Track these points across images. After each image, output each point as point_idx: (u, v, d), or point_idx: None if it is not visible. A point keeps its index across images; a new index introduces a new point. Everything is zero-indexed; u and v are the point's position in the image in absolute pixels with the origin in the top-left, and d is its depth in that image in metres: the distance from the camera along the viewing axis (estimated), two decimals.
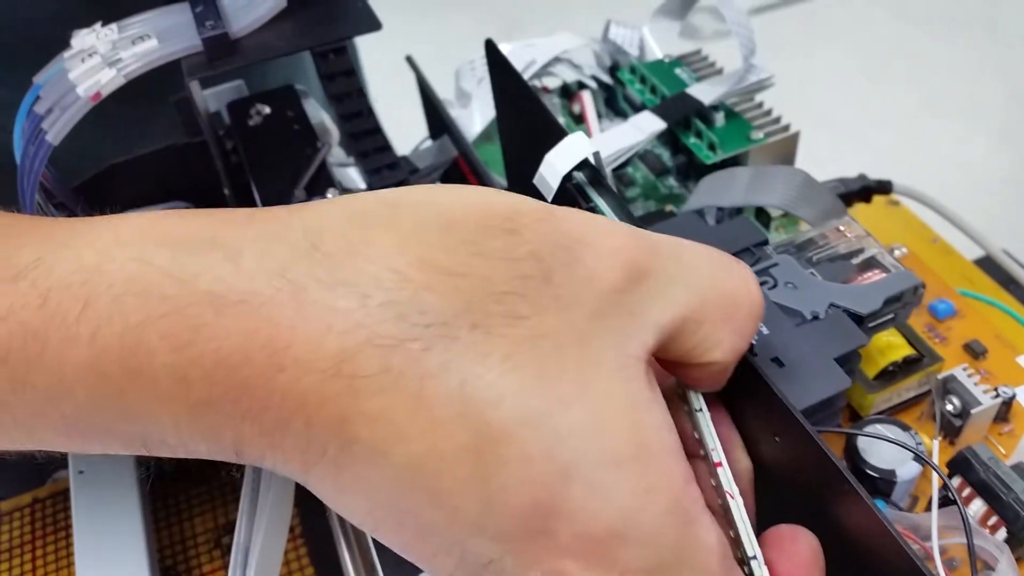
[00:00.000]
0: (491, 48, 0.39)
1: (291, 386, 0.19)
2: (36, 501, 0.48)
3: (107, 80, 0.38)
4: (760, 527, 0.25)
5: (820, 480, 0.24)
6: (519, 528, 0.20)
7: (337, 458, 0.20)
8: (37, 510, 0.48)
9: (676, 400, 0.26)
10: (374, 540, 0.39)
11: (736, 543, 0.23)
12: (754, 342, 0.28)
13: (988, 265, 0.51)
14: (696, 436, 0.25)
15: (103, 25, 0.40)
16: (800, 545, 0.23)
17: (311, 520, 0.46)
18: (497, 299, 0.20)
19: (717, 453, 0.25)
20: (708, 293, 0.23)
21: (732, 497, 0.24)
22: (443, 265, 0.20)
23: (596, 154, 0.32)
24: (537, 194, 0.33)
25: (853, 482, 0.22)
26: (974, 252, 0.52)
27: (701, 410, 0.25)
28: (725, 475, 0.24)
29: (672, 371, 0.25)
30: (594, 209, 0.32)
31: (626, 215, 0.31)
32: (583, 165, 0.32)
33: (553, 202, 0.33)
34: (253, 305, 0.19)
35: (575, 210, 0.23)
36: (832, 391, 0.27)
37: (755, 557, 0.23)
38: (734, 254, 0.32)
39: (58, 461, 0.47)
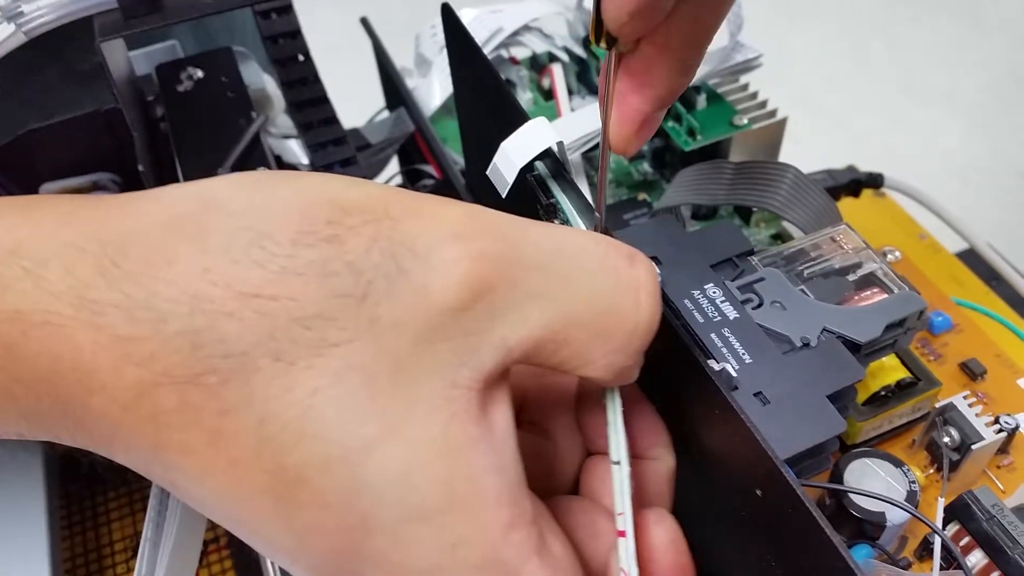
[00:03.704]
0: (447, 14, 0.34)
1: (104, 410, 0.18)
2: None
3: (4, 37, 0.34)
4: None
5: (801, 537, 0.20)
6: (330, 567, 0.19)
7: (164, 477, 0.19)
8: None
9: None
10: None
11: None
12: (735, 373, 0.24)
13: (971, 258, 0.48)
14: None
15: None
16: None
17: None
18: (305, 324, 0.18)
19: (624, 520, 0.21)
20: (576, 310, 0.20)
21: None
22: (248, 286, 0.18)
23: (560, 144, 0.27)
24: (491, 186, 0.29)
25: (855, 566, 0.18)
26: (957, 244, 0.49)
27: (619, 462, 0.22)
28: (625, 548, 0.21)
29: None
30: (555, 206, 0.28)
31: (590, 216, 0.26)
32: (545, 154, 0.28)
33: (507, 196, 0.28)
34: (55, 326, 0.18)
35: (425, 202, 0.20)
36: (823, 436, 0.23)
37: None
38: (714, 265, 0.28)
39: None
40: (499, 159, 0.28)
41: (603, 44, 0.25)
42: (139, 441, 0.19)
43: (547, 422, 0.25)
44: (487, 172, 0.28)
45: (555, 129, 0.42)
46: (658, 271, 0.27)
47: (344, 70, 0.78)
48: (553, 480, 0.25)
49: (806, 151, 0.49)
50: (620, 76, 0.25)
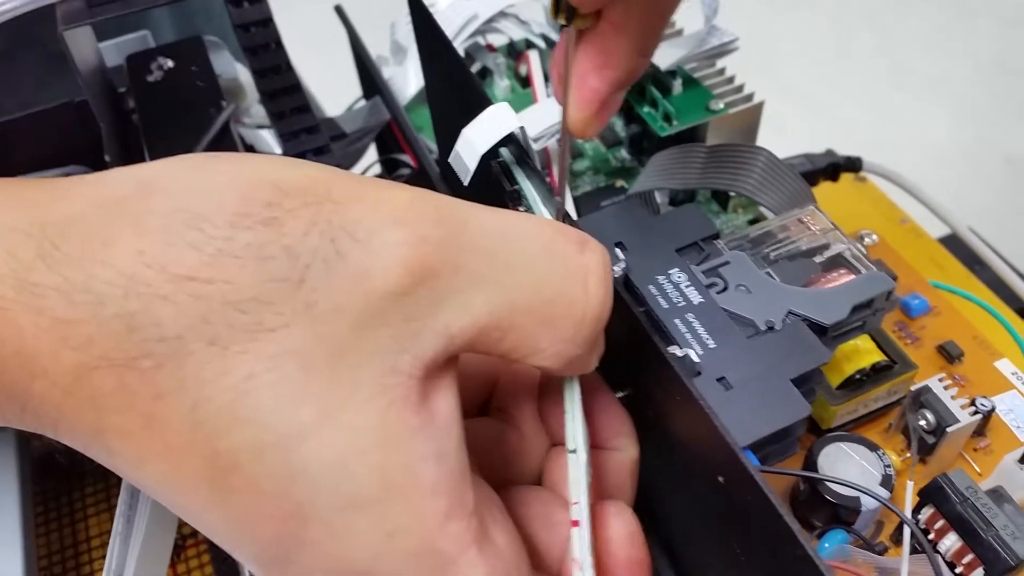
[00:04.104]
0: (415, 5, 0.34)
1: (46, 395, 0.18)
2: None
3: None
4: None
5: (761, 524, 0.20)
6: (268, 554, 0.19)
7: (108, 462, 0.19)
8: None
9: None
10: None
11: None
12: (698, 360, 0.24)
13: (953, 243, 0.47)
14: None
15: None
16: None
17: None
18: (241, 308, 0.18)
19: (579, 510, 0.21)
20: (522, 296, 0.19)
21: (580, 569, 0.21)
22: (183, 268, 0.18)
23: (522, 129, 0.27)
24: (454, 173, 0.29)
25: (812, 554, 0.18)
26: (939, 229, 0.49)
27: (576, 451, 0.22)
28: (579, 538, 0.21)
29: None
30: (519, 193, 0.27)
31: (553, 203, 0.26)
32: (509, 140, 0.28)
33: (471, 183, 0.28)
34: (0, 310, 0.18)
35: (368, 185, 0.19)
36: (788, 421, 0.23)
37: None
38: (679, 250, 0.28)
39: None
40: (461, 146, 0.27)
41: (562, 19, 0.24)
42: (81, 425, 0.19)
43: (515, 410, 0.25)
44: (449, 159, 0.28)
45: (531, 116, 0.41)
46: (623, 257, 0.27)
47: (323, 60, 0.77)
48: (517, 469, 0.24)
49: (791, 140, 0.48)
50: (578, 57, 0.25)
